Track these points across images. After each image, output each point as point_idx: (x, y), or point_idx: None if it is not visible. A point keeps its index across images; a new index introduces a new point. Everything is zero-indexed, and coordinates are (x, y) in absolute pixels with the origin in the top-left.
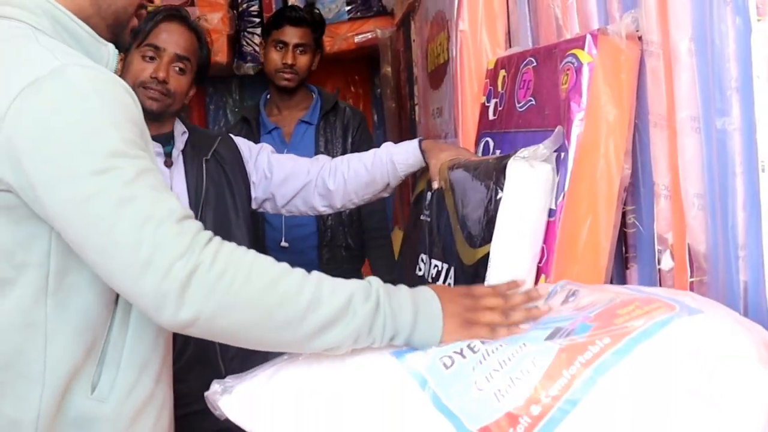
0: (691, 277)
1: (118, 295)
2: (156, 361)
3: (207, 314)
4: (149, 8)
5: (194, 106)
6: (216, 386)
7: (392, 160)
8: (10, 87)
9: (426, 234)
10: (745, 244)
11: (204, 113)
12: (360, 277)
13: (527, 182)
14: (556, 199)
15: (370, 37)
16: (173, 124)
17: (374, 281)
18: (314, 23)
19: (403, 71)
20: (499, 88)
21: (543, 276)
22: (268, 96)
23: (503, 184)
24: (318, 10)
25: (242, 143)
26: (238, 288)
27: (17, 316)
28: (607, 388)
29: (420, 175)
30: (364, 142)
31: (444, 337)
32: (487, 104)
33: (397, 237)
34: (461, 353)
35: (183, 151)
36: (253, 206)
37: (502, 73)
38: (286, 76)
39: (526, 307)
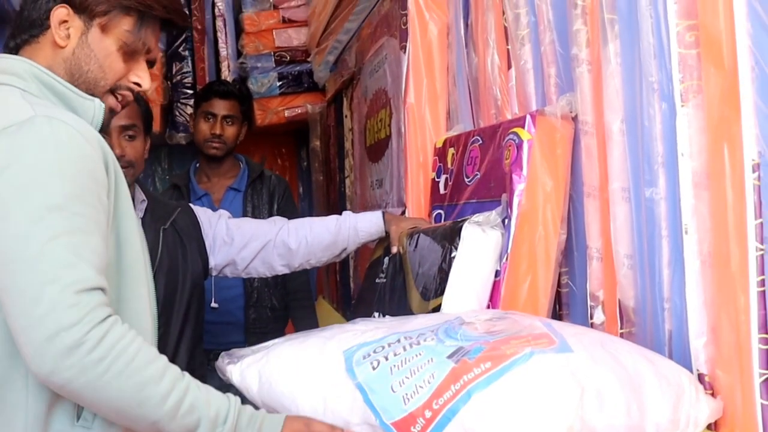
0: (621, 328)
1: None
2: None
3: (74, 387)
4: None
5: None
6: (225, 357)
7: (356, 227)
8: None
9: (381, 294)
10: (670, 297)
11: None
12: (282, 334)
13: (479, 244)
14: (501, 260)
15: (300, 111)
16: (134, 191)
17: (232, 409)
18: (241, 96)
19: (333, 145)
20: (449, 165)
21: None
22: (197, 164)
23: (457, 244)
24: (250, 84)
25: (203, 215)
26: (109, 379)
27: (1, 346)
28: (478, 403)
29: (377, 244)
30: (288, 208)
31: None
32: (437, 179)
33: (321, 305)
34: (386, 357)
35: (142, 219)
36: (213, 273)
37: (451, 150)
38: (215, 145)
39: None
